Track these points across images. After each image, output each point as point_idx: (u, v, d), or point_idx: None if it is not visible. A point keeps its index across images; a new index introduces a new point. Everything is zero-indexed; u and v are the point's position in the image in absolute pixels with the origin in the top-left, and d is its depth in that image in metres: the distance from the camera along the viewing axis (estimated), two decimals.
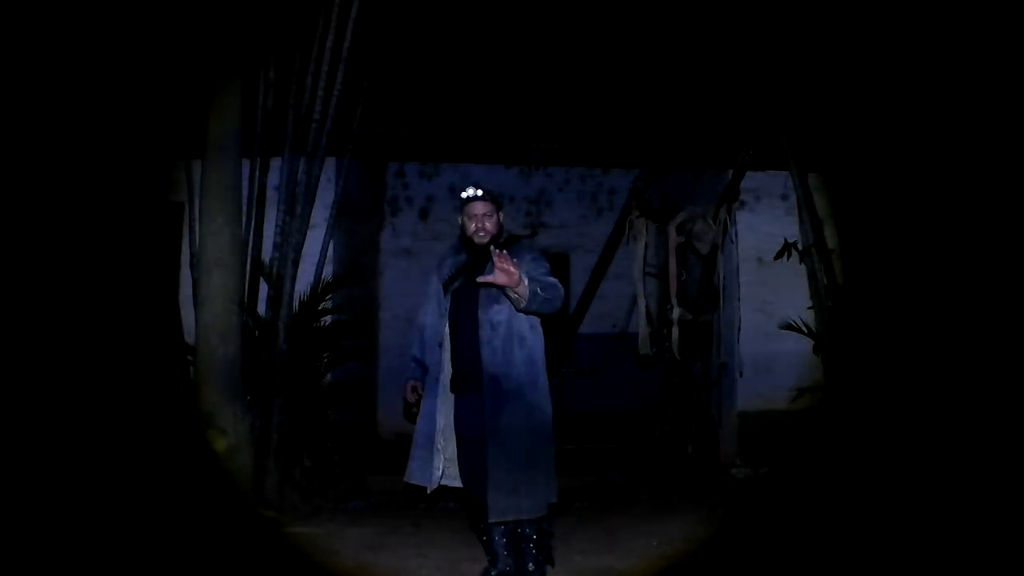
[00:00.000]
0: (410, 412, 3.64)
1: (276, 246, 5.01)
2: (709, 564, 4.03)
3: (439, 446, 3.41)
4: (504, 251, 3.20)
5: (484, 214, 3.48)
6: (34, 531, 3.48)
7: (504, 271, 3.15)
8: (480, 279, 3.25)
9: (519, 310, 3.29)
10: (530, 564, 3.41)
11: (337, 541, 4.21)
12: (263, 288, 5.14)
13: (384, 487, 5.56)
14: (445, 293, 3.51)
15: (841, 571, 3.64)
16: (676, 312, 5.94)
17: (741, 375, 6.12)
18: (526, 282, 3.19)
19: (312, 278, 5.30)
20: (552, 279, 3.36)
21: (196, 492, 4.15)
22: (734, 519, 4.79)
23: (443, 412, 3.42)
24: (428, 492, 3.46)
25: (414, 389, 3.63)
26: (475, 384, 3.37)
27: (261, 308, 5.12)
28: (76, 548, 3.46)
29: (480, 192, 3.51)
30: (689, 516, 4.79)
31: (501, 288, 3.24)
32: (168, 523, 3.83)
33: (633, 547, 4.17)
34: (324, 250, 5.35)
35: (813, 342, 5.69)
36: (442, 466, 3.42)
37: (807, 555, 3.81)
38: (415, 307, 8.40)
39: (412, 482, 3.47)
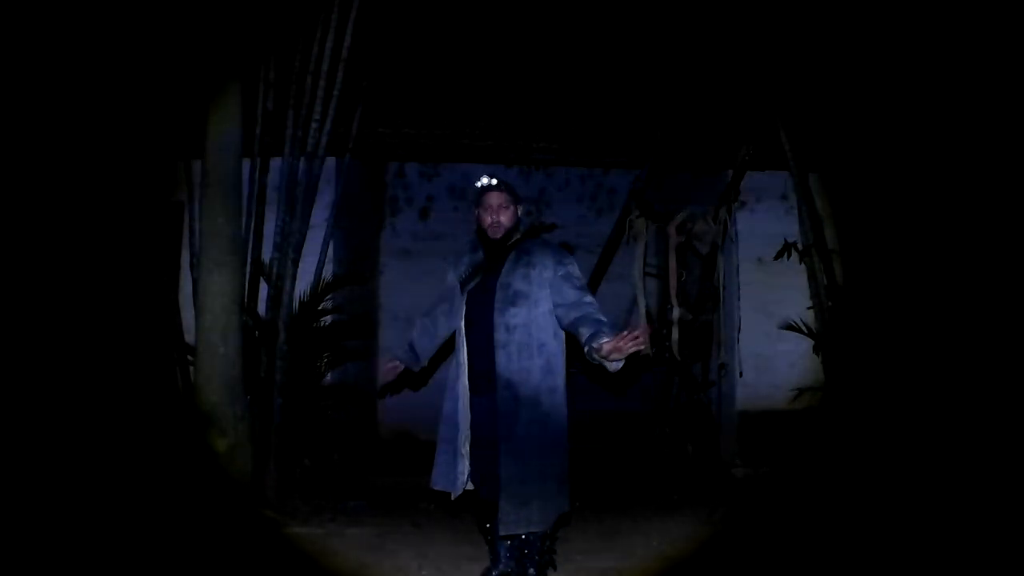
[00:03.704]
0: (384, 391, 3.59)
1: (276, 246, 5.01)
2: (709, 564, 4.03)
3: (462, 451, 3.31)
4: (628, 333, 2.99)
5: (500, 205, 3.37)
6: (34, 531, 3.48)
7: (637, 346, 2.98)
8: (616, 349, 2.99)
9: (612, 372, 3.11)
10: (531, 569, 3.39)
11: (337, 541, 4.21)
12: (263, 288, 5.14)
13: (384, 487, 5.56)
14: (461, 292, 3.41)
15: (841, 571, 3.64)
16: (676, 312, 5.93)
17: (741, 375, 6.12)
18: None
19: (312, 278, 5.30)
20: (591, 300, 3.26)
21: (196, 492, 4.15)
22: (734, 519, 4.79)
23: (464, 416, 3.32)
24: (452, 498, 3.37)
25: (393, 368, 3.61)
26: (490, 385, 3.29)
27: (261, 308, 5.12)
28: (76, 548, 3.46)
29: (496, 181, 3.39)
30: (689, 516, 4.79)
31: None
32: (168, 523, 3.83)
33: (633, 547, 4.17)
34: (324, 250, 5.34)
35: (813, 342, 5.69)
36: (466, 471, 3.32)
37: (807, 555, 3.81)
38: (415, 307, 8.39)
39: (437, 488, 3.39)
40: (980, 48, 4.35)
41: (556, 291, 3.30)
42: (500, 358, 3.27)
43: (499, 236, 3.37)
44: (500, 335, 3.28)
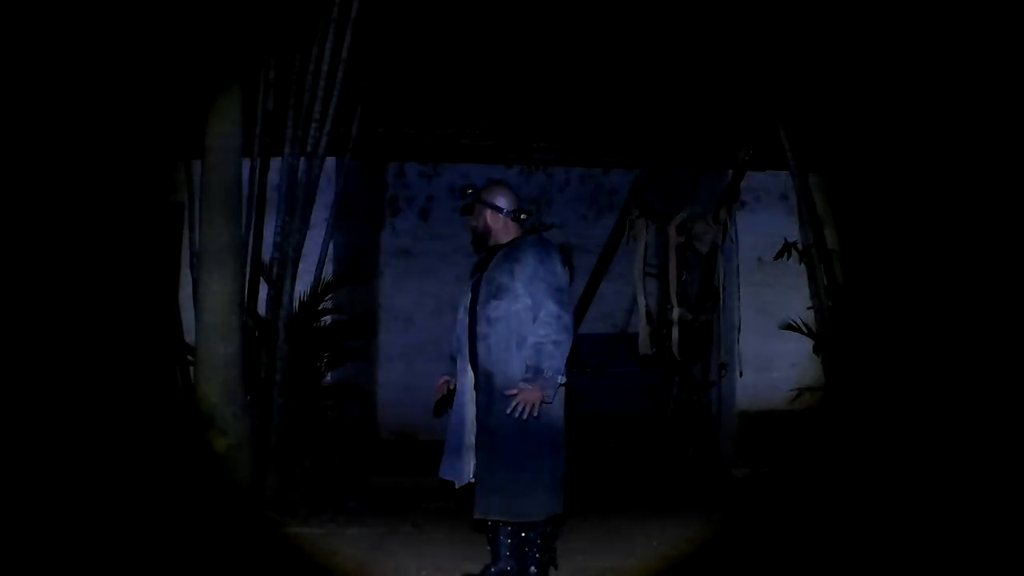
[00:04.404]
0: (440, 408, 3.64)
1: (276, 246, 5.01)
2: (709, 564, 4.03)
3: (467, 442, 3.40)
4: (512, 392, 3.23)
5: (475, 212, 3.59)
6: (34, 531, 3.47)
7: (529, 402, 3.21)
8: (510, 411, 3.25)
9: (548, 403, 3.28)
10: (532, 567, 3.40)
11: (337, 541, 4.21)
12: (263, 288, 5.14)
13: (384, 487, 5.57)
14: (466, 290, 3.57)
15: (841, 571, 3.64)
16: (676, 312, 5.93)
17: (741, 375, 6.12)
18: (535, 382, 3.22)
19: (312, 278, 5.30)
20: (547, 312, 3.30)
21: (196, 492, 4.15)
22: (734, 519, 4.79)
23: (469, 409, 3.42)
24: (456, 488, 3.45)
25: (445, 384, 3.63)
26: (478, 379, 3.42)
27: (261, 308, 5.12)
28: (76, 548, 3.46)
29: (468, 191, 3.66)
30: (689, 516, 4.79)
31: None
32: (168, 523, 3.83)
33: (633, 547, 4.17)
34: (324, 250, 5.34)
35: (813, 342, 5.68)
36: (472, 460, 3.40)
37: (807, 555, 3.81)
38: (415, 307, 8.44)
39: (444, 478, 3.48)
40: (980, 48, 4.35)
41: (532, 289, 3.36)
42: (480, 350, 3.38)
43: (474, 237, 3.60)
44: (482, 328, 3.39)
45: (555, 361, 3.26)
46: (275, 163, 5.25)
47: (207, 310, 4.49)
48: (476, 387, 3.42)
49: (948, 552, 3.54)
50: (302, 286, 5.16)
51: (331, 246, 5.45)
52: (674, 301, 5.96)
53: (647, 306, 6.14)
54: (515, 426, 3.28)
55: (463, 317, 3.52)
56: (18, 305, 3.99)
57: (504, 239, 3.52)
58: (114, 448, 4.10)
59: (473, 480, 3.41)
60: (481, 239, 3.58)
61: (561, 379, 3.29)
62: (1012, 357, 4.11)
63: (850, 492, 4.44)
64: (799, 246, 5.73)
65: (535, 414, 3.22)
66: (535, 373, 3.23)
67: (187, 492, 4.10)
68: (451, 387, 3.61)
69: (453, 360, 3.65)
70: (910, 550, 3.67)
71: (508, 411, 3.23)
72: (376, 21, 5.15)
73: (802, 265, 5.73)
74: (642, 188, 6.39)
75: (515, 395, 3.22)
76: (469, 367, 3.46)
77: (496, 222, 3.52)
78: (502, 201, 3.54)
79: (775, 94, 5.48)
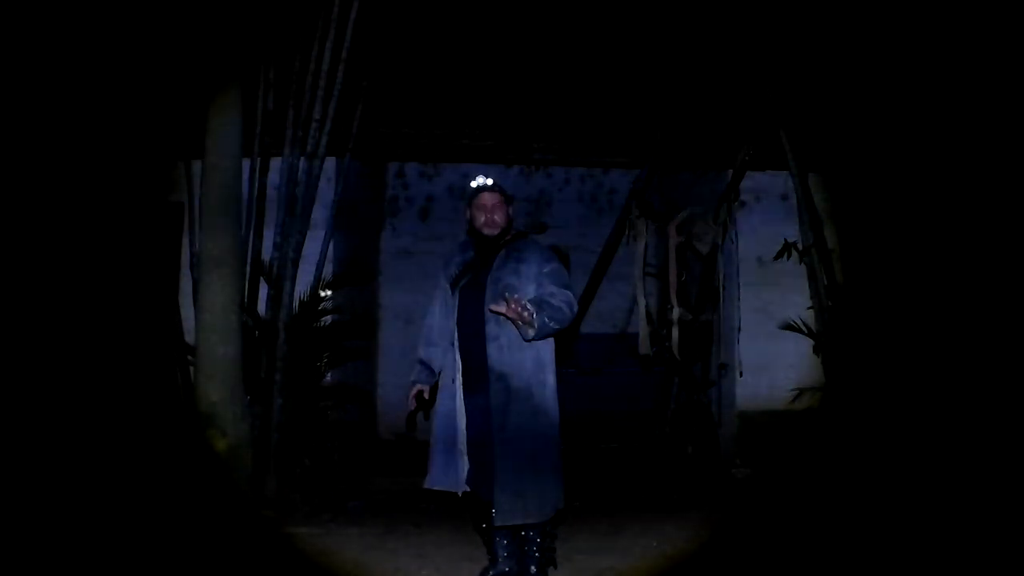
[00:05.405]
0: (412, 419, 3.58)
1: (276, 246, 5.01)
2: (709, 564, 4.03)
3: (461, 448, 3.33)
4: (517, 296, 3.19)
5: (494, 205, 3.45)
6: (34, 531, 3.47)
7: (517, 316, 3.16)
8: (492, 308, 3.24)
9: (525, 339, 3.24)
10: (532, 567, 3.39)
11: (337, 541, 4.21)
12: (263, 288, 5.14)
13: (384, 487, 5.56)
14: (452, 291, 3.46)
15: (841, 571, 3.64)
16: (676, 312, 5.94)
17: (741, 375, 6.12)
18: (535, 317, 3.17)
19: (312, 278, 5.31)
20: (561, 294, 3.31)
21: (196, 492, 4.15)
22: (734, 519, 4.79)
23: (461, 414, 3.34)
24: (459, 495, 3.36)
25: (419, 394, 3.58)
26: (483, 382, 3.32)
27: (261, 308, 5.12)
28: (76, 548, 3.46)
29: (490, 181, 3.49)
30: (689, 516, 4.78)
31: (512, 319, 3.20)
32: (168, 523, 3.83)
33: (633, 547, 4.17)
34: (324, 250, 5.35)
35: (813, 342, 5.69)
36: (467, 468, 3.32)
37: (807, 555, 3.81)
38: (415, 307, 8.45)
39: (436, 488, 3.40)
40: (980, 48, 4.35)
41: (539, 286, 3.36)
42: (492, 351, 3.32)
43: (495, 234, 3.45)
44: (491, 328, 3.33)
45: (556, 316, 3.23)
46: (275, 163, 5.25)
47: (207, 310, 4.50)
48: (482, 393, 3.33)
49: (947, 552, 3.54)
50: (302, 286, 5.17)
51: (331, 246, 5.45)
52: (674, 301, 5.97)
53: (647, 306, 6.14)
54: (530, 426, 3.28)
55: (449, 323, 3.43)
56: (18, 306, 3.99)
57: (504, 237, 3.48)
58: (114, 448, 4.10)
59: (469, 488, 3.34)
60: (494, 237, 3.45)
61: (552, 325, 3.24)
62: (1012, 357, 4.11)
63: (849, 492, 4.44)
64: (799, 246, 5.73)
65: (509, 316, 3.17)
66: (536, 306, 3.20)
67: (187, 492, 4.10)
68: (425, 396, 3.58)
69: (420, 363, 3.60)
70: (909, 550, 3.67)
71: (495, 296, 3.23)
72: (376, 21, 5.15)
73: (802, 265, 5.73)
74: (642, 188, 6.40)
75: (510, 301, 3.16)
76: (460, 374, 3.37)
77: (509, 219, 3.50)
78: (512, 199, 3.57)
79: (775, 94, 5.48)
